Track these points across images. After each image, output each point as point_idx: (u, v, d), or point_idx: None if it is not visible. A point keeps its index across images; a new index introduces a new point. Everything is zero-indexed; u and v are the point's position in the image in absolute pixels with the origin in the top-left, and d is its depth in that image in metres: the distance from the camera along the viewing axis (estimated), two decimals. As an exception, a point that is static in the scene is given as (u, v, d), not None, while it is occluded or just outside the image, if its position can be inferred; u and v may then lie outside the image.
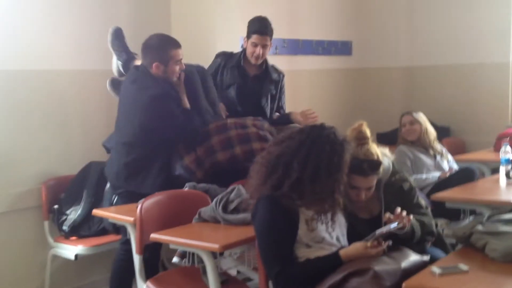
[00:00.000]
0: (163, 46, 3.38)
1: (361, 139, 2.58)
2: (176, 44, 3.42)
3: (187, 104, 3.44)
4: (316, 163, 2.32)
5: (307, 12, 5.44)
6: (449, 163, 4.41)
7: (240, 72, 3.90)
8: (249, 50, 3.86)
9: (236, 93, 3.87)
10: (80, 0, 3.93)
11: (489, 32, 5.50)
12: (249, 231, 2.57)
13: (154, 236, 2.70)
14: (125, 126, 3.41)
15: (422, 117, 4.42)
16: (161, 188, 3.21)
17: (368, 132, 2.61)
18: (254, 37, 3.83)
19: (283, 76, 4.07)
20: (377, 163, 2.55)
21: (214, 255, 2.60)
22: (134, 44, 3.74)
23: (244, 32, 4.34)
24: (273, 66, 4.03)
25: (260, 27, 3.83)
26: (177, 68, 3.43)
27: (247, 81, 3.91)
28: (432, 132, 4.40)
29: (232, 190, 2.89)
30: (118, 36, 3.72)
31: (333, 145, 2.36)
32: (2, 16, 3.53)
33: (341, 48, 5.86)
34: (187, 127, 3.40)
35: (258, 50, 3.83)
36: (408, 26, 5.98)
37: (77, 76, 3.90)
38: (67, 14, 3.84)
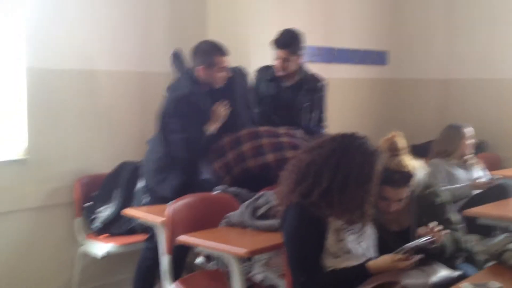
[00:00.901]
0: (210, 51, 3.47)
1: (393, 150, 2.55)
2: (223, 52, 3.49)
3: (211, 128, 3.44)
4: (346, 173, 2.30)
5: (343, 21, 5.41)
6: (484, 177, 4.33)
7: (275, 84, 3.90)
8: (276, 64, 3.86)
9: (270, 104, 3.87)
10: (117, 2, 3.99)
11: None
12: (276, 238, 2.56)
13: (182, 238, 2.72)
14: (156, 124, 3.50)
15: None
16: (179, 192, 3.22)
17: (401, 143, 2.58)
18: (278, 51, 3.82)
19: (322, 85, 4.00)
20: (408, 175, 2.52)
21: (240, 260, 2.60)
22: (169, 51, 3.79)
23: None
24: (313, 75, 3.99)
25: (279, 40, 3.81)
26: (221, 75, 3.49)
27: (281, 92, 3.90)
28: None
29: (261, 196, 2.89)
30: (177, 58, 3.73)
31: (364, 155, 2.34)
32: (41, 14, 3.60)
33: (377, 57, 5.81)
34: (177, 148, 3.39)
35: (280, 63, 3.83)
36: (446, 38, 5.89)
37: (112, 76, 3.96)
38: (103, 15, 3.90)
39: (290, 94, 3.91)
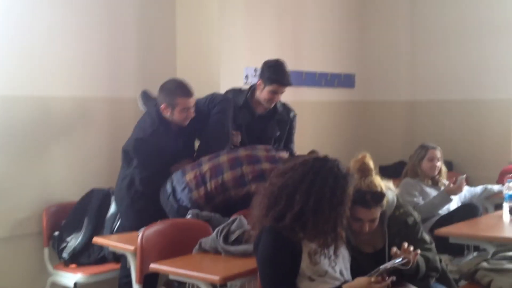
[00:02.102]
0: (173, 91, 3.50)
1: (364, 171, 2.57)
2: (186, 93, 3.51)
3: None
4: (319, 196, 2.30)
5: (311, 44, 5.48)
6: (461, 194, 4.39)
7: (248, 111, 3.87)
8: (265, 96, 3.81)
9: (243, 132, 3.83)
10: (84, 29, 3.95)
11: (492, 68, 5.54)
12: (250, 263, 2.55)
13: (154, 266, 2.68)
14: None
15: (442, 154, 4.37)
16: (138, 219, 3.27)
17: (371, 164, 2.60)
18: (275, 86, 3.78)
19: (294, 115, 4.03)
20: (380, 195, 2.54)
21: (213, 286, 2.57)
22: (139, 75, 3.78)
23: (248, 63, 4.38)
24: (284, 105, 4.00)
25: (283, 78, 3.80)
26: (184, 116, 3.52)
27: (254, 120, 3.88)
28: (444, 172, 4.37)
29: (234, 221, 2.87)
30: (145, 95, 3.77)
31: (336, 178, 2.34)
32: (1, 41, 3.55)
33: (344, 80, 5.89)
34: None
35: (277, 97, 3.84)
36: (410, 61, 6.02)
37: (79, 102, 3.91)
38: (69, 41, 3.86)
39: (262, 124, 3.90)
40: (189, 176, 3.37)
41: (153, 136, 3.45)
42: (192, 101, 3.53)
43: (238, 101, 3.87)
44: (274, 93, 3.81)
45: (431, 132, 5.75)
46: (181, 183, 3.37)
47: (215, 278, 2.46)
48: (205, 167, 3.39)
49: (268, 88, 3.80)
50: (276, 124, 3.94)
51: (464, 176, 4.20)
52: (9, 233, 3.58)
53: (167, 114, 3.50)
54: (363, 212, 2.52)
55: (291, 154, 3.94)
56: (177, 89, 3.51)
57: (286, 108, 4.01)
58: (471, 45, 5.65)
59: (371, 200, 2.52)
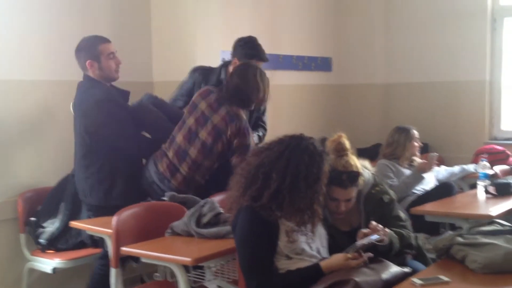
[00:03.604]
0: (90, 43, 3.43)
1: (340, 151, 2.58)
2: (103, 39, 3.46)
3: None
4: (295, 174, 2.31)
5: (288, 28, 5.47)
6: (438, 173, 4.45)
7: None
8: None
9: None
10: (58, 15, 3.89)
11: (465, 50, 5.59)
12: (223, 245, 2.56)
13: (126, 249, 2.66)
14: (77, 138, 3.46)
15: None
16: (131, 197, 3.22)
17: (347, 144, 2.61)
18: (254, 62, 3.70)
19: None
20: (356, 175, 2.55)
21: (187, 269, 2.56)
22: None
23: (224, 46, 4.34)
24: None
25: (261, 53, 3.78)
26: (113, 63, 3.45)
27: None
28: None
29: (205, 203, 2.86)
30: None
31: (312, 156, 2.35)
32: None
33: (321, 64, 5.90)
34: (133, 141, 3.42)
35: None
36: (386, 44, 6.05)
37: (53, 86, 3.86)
38: (43, 24, 3.81)
39: None
40: (162, 166, 3.40)
41: (110, 94, 3.42)
42: (113, 46, 3.47)
43: (209, 81, 3.82)
44: None
45: (407, 115, 5.80)
46: (158, 174, 3.39)
47: (187, 259, 2.45)
48: (170, 153, 3.41)
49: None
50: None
51: (435, 154, 4.26)
52: (-16, 219, 3.54)
53: (95, 71, 3.40)
54: (339, 192, 2.53)
55: (263, 125, 3.96)
56: (95, 39, 3.45)
57: None
58: (445, 28, 5.70)
59: (346, 180, 2.53)
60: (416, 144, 4.38)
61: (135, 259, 2.89)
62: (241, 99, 3.39)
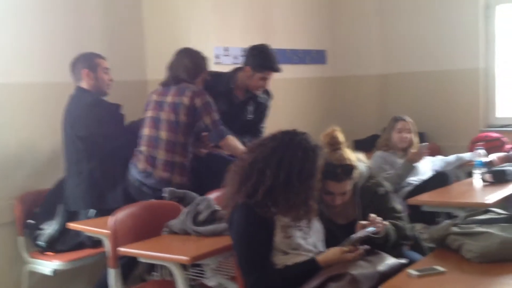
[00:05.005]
0: (88, 56, 3.62)
1: (334, 145, 2.59)
2: (100, 55, 3.66)
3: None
4: (289, 170, 2.32)
5: (281, 21, 5.47)
6: (434, 163, 4.45)
7: (226, 99, 3.85)
8: (255, 83, 3.82)
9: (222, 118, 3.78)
10: (50, 15, 3.87)
11: (459, 38, 5.58)
12: (220, 242, 2.57)
13: (123, 249, 2.67)
14: (68, 145, 3.55)
15: (415, 126, 4.41)
16: (125, 199, 3.27)
17: (341, 137, 2.62)
18: (267, 73, 3.79)
19: (270, 97, 4.05)
20: (350, 168, 2.56)
21: (185, 267, 2.57)
22: (107, 56, 3.73)
23: (218, 42, 4.33)
24: (266, 90, 4.00)
25: (275, 63, 3.80)
26: (106, 77, 3.64)
27: (231, 107, 3.87)
28: (416, 143, 4.40)
29: (201, 201, 2.87)
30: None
31: (306, 151, 2.36)
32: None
33: (316, 56, 5.90)
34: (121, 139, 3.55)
35: (267, 83, 3.84)
36: (380, 35, 6.04)
37: (48, 88, 3.84)
38: (35, 26, 3.78)
39: (238, 109, 3.90)
40: (142, 164, 3.47)
41: (100, 100, 3.56)
42: (107, 64, 3.66)
43: (218, 85, 3.83)
44: (265, 80, 3.81)
45: (403, 105, 5.79)
46: (141, 173, 3.45)
47: (185, 258, 2.46)
48: (144, 148, 3.50)
49: (259, 75, 3.79)
50: (253, 108, 3.92)
51: (425, 144, 4.27)
52: (-18, 223, 3.54)
53: (90, 80, 3.56)
54: (333, 186, 2.54)
55: (258, 132, 3.98)
56: (92, 53, 3.64)
57: (266, 92, 3.99)
58: (439, 17, 5.68)
59: (341, 173, 2.54)
60: (399, 135, 4.34)
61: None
62: (177, 77, 3.56)
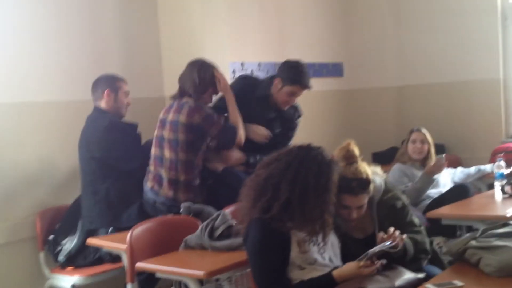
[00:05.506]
0: (111, 77, 3.69)
1: (349, 158, 2.58)
2: (123, 79, 3.73)
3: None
4: (304, 184, 2.32)
5: (297, 35, 5.49)
6: (454, 175, 4.41)
7: (259, 109, 3.78)
8: (282, 97, 3.74)
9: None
10: (67, 34, 3.93)
11: (478, 49, 5.55)
12: (236, 257, 2.57)
13: (140, 265, 2.69)
14: (84, 166, 3.62)
15: (430, 137, 4.38)
16: (139, 218, 3.29)
17: (356, 151, 2.61)
18: (296, 88, 3.71)
19: (300, 116, 3.99)
20: (366, 182, 2.55)
21: (201, 282, 2.58)
22: (124, 74, 3.78)
23: (233, 58, 4.35)
24: (296, 107, 3.95)
25: (305, 79, 3.72)
26: (126, 101, 3.70)
27: (262, 118, 3.81)
28: (433, 154, 4.35)
29: (218, 216, 2.88)
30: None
31: (321, 166, 2.36)
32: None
33: (332, 69, 5.90)
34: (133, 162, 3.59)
35: (294, 100, 3.79)
36: (398, 46, 6.03)
37: (68, 106, 3.90)
38: (53, 44, 3.84)
39: (265, 123, 3.81)
40: (151, 182, 3.52)
41: (117, 122, 3.61)
42: (128, 90, 3.73)
43: (256, 91, 3.79)
44: (292, 95, 3.74)
45: (421, 116, 5.77)
46: (151, 191, 3.50)
47: (200, 273, 2.47)
48: (152, 167, 3.54)
49: (287, 89, 3.71)
50: (281, 123, 3.87)
51: (444, 155, 4.22)
52: (3, 239, 3.57)
53: (110, 101, 3.62)
54: (350, 199, 2.53)
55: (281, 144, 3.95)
56: (114, 76, 3.71)
57: (296, 108, 3.94)
58: (458, 26, 5.66)
59: (357, 187, 2.53)
60: (412, 145, 4.31)
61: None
62: (184, 90, 3.56)
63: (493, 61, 5.49)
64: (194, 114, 3.43)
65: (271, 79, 3.84)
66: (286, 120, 3.90)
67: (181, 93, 3.57)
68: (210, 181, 3.68)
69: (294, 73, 3.72)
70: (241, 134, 3.61)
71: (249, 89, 3.81)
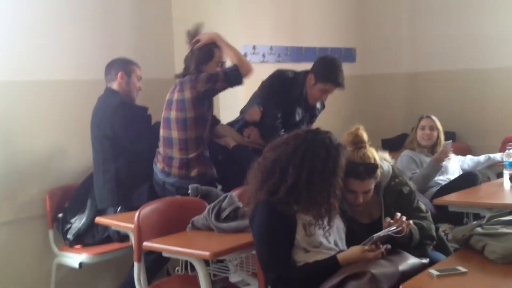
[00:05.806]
0: (126, 61, 3.71)
1: (357, 143, 2.58)
2: (137, 64, 3.74)
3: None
4: (311, 168, 2.33)
5: (310, 19, 5.46)
6: (463, 163, 4.40)
7: (291, 107, 3.79)
8: (314, 93, 3.74)
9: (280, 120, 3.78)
10: (79, 14, 3.95)
11: (493, 37, 5.50)
12: (242, 238, 2.59)
13: (147, 244, 2.71)
14: (95, 145, 3.64)
15: (439, 124, 4.36)
16: (150, 198, 3.31)
17: (364, 136, 2.61)
18: (329, 86, 3.70)
19: (324, 107, 4.03)
20: (373, 167, 2.55)
21: (207, 262, 2.60)
22: (136, 58, 3.80)
23: (246, 40, 4.34)
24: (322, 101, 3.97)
25: (339, 79, 3.70)
26: (138, 84, 3.71)
27: (291, 113, 3.82)
28: (443, 141, 4.35)
29: (225, 198, 2.90)
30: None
31: (328, 150, 2.37)
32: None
33: (345, 55, 5.88)
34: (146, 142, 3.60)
35: (325, 97, 3.79)
36: (411, 32, 5.99)
37: (79, 86, 3.92)
38: (65, 24, 3.87)
39: (291, 116, 3.82)
40: (160, 164, 3.51)
41: (128, 102, 3.63)
42: (141, 74, 3.75)
43: (292, 94, 3.77)
44: (325, 93, 3.74)
45: (433, 104, 5.74)
46: (161, 172, 3.49)
47: (206, 254, 2.49)
48: (161, 149, 3.53)
49: (320, 86, 3.71)
50: (305, 113, 3.89)
51: (450, 141, 4.21)
52: (13, 216, 3.62)
53: (123, 84, 3.64)
54: (356, 184, 2.54)
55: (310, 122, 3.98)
56: (129, 60, 3.73)
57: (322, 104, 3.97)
58: (472, 14, 5.61)
59: (364, 172, 2.53)
60: (421, 132, 4.30)
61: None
62: (188, 69, 3.55)
63: (507, 49, 5.44)
64: (196, 83, 3.41)
65: (305, 74, 3.81)
66: (310, 108, 3.92)
67: (185, 72, 3.57)
68: (220, 156, 3.70)
69: (328, 71, 3.69)
70: (245, 65, 3.51)
71: (285, 89, 3.77)
